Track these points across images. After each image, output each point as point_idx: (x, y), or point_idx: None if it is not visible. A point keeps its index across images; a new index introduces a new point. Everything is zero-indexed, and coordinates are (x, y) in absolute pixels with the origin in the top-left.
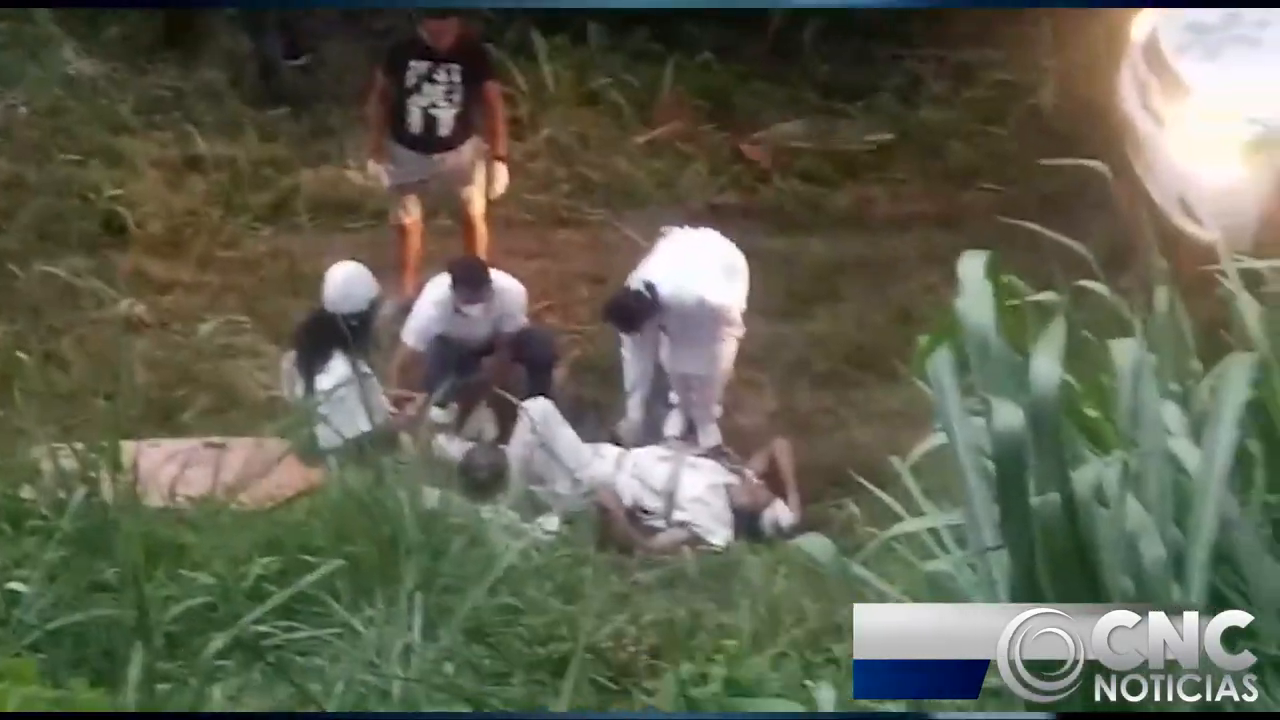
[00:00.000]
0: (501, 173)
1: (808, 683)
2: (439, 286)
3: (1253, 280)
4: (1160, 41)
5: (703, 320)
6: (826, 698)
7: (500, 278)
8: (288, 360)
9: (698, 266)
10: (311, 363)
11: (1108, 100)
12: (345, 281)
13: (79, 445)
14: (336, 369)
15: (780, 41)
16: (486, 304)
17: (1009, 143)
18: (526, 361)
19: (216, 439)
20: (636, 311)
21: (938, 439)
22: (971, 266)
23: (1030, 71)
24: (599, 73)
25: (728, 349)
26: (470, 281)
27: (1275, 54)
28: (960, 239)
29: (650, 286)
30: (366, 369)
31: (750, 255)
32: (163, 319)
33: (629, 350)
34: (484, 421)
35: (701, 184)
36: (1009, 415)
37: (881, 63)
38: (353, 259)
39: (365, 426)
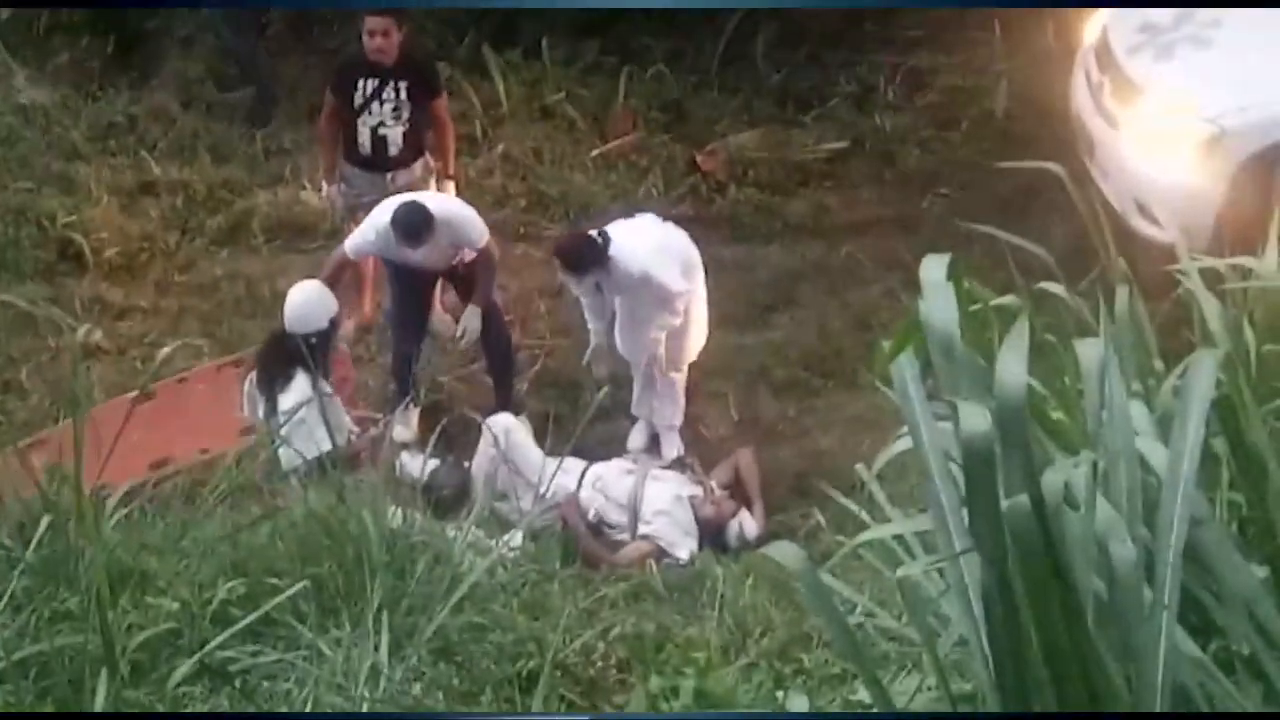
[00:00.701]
0: (450, 191)
1: (778, 693)
2: (386, 212)
3: (1212, 279)
4: (1112, 42)
5: (643, 296)
6: (799, 705)
7: (449, 207)
8: (249, 381)
9: (654, 245)
10: (273, 383)
11: (1061, 103)
12: (304, 301)
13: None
14: (298, 388)
15: (732, 51)
16: (429, 245)
17: (963, 147)
18: (468, 295)
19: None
20: (582, 255)
21: (902, 445)
22: (933, 270)
23: (982, 76)
24: (552, 87)
25: (657, 336)
26: (406, 229)
27: (1227, 53)
28: (917, 244)
29: (604, 237)
30: (328, 388)
31: (708, 265)
32: (121, 345)
33: (584, 304)
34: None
35: (658, 196)
36: (976, 418)
37: (834, 70)
38: (310, 279)
39: (327, 446)
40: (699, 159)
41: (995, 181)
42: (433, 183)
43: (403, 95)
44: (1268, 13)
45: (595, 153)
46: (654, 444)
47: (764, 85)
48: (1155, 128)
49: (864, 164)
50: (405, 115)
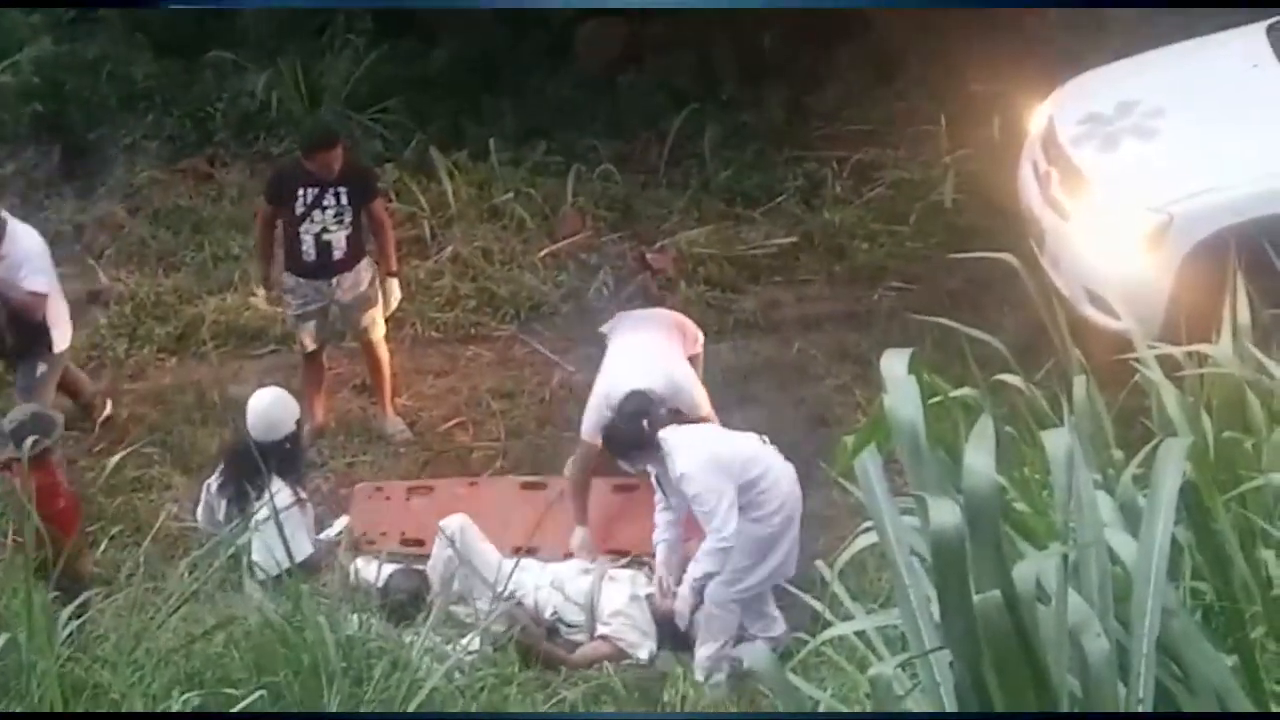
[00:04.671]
0: (395, 288)
1: None
2: None
3: (1168, 367)
4: (1057, 133)
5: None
6: None
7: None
8: (207, 489)
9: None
10: (244, 492)
11: (1009, 193)
12: (273, 406)
13: None
14: (281, 494)
15: (679, 150)
16: None
17: (912, 240)
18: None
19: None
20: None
21: (864, 540)
22: (895, 365)
23: (930, 168)
24: (500, 188)
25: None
26: None
27: (1171, 143)
28: (869, 338)
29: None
30: (303, 494)
31: None
32: (70, 455)
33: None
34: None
35: (608, 294)
36: (946, 513)
37: (781, 166)
38: (269, 386)
39: (309, 549)
40: (648, 257)
41: (945, 274)
42: (377, 285)
43: (344, 200)
44: (1209, 102)
45: (544, 252)
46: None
47: (711, 182)
48: (1104, 218)
49: (814, 259)
50: (347, 219)
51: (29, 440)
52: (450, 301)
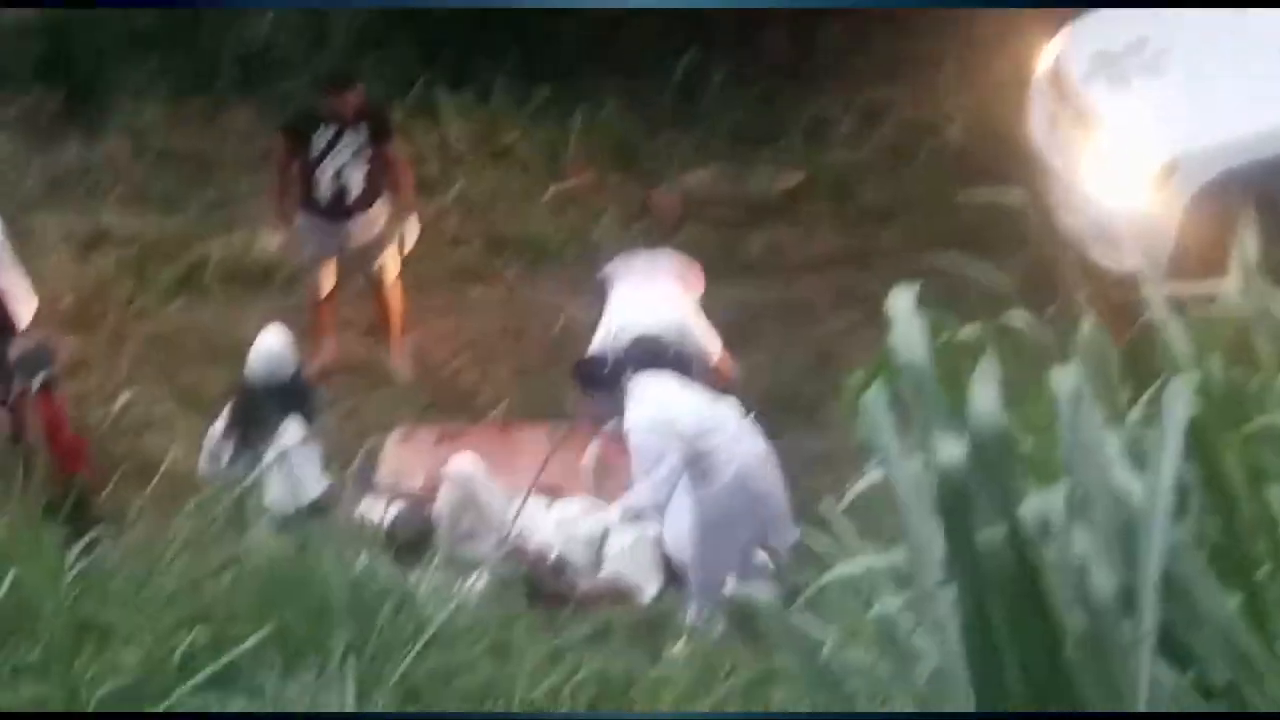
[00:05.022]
0: (414, 226)
1: None
2: None
3: (1174, 306)
4: (1065, 71)
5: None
6: None
7: None
8: (215, 432)
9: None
10: (254, 433)
11: (1016, 133)
12: (280, 347)
13: None
14: (292, 431)
15: (684, 90)
16: None
17: (919, 180)
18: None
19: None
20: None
21: (871, 479)
22: (901, 300)
23: (937, 108)
24: (505, 128)
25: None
26: None
27: (1180, 81)
28: (874, 279)
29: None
30: (313, 433)
31: None
32: (77, 395)
33: None
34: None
35: (613, 235)
36: (952, 449)
37: (787, 106)
38: (272, 326)
39: (322, 486)
40: (653, 198)
41: (952, 214)
42: (393, 227)
43: (363, 139)
44: (1218, 38)
45: (549, 194)
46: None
47: (717, 123)
48: (1111, 157)
49: (819, 200)
50: (365, 160)
51: (39, 375)
52: (456, 243)
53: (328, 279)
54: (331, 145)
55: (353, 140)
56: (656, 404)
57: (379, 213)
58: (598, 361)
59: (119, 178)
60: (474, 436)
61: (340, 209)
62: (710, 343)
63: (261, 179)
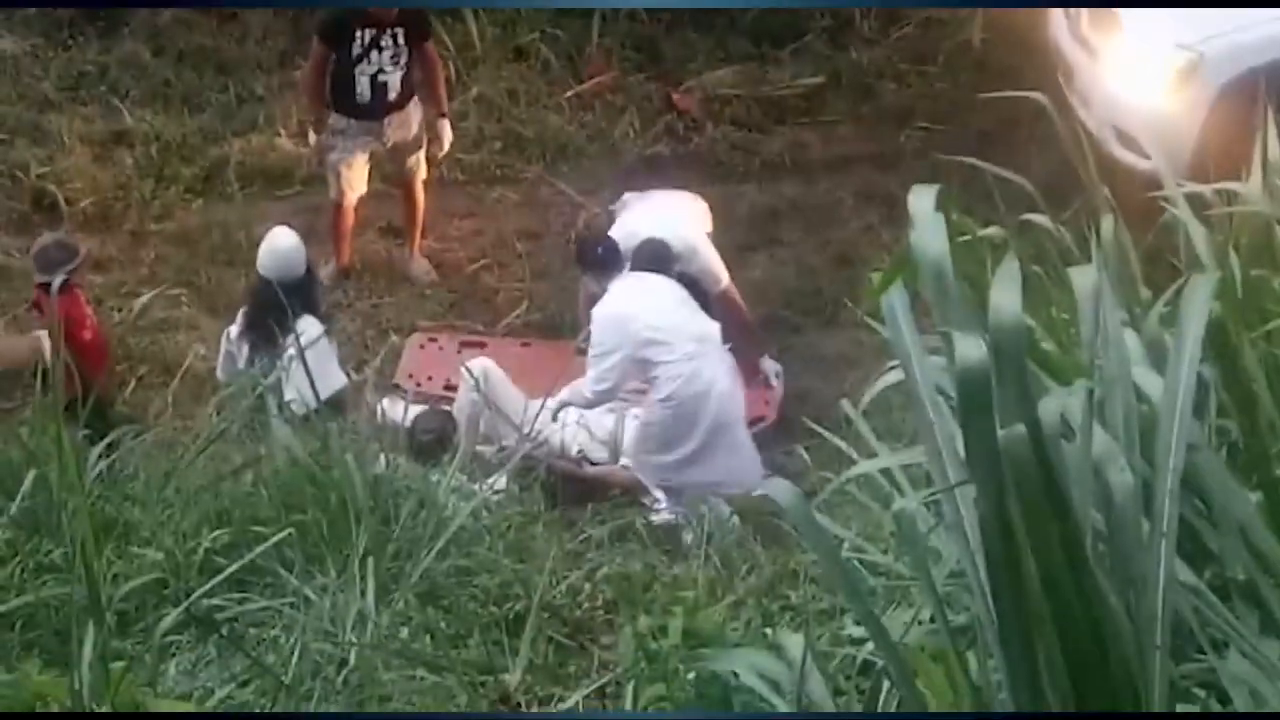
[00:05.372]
0: (447, 129)
1: (766, 630)
2: None
3: (1196, 206)
4: None
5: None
6: (789, 642)
7: None
8: (231, 334)
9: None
10: (269, 334)
11: (1038, 33)
12: (287, 247)
13: (22, 428)
14: (309, 328)
15: None
16: None
17: (940, 81)
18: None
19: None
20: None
21: (889, 379)
22: (922, 200)
23: (958, 8)
24: (526, 28)
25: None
26: None
27: None
28: (895, 179)
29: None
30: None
31: None
32: (97, 295)
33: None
34: None
35: (634, 135)
36: (972, 349)
37: (808, 5)
38: (281, 226)
39: (341, 382)
40: (674, 98)
41: (973, 114)
42: (424, 128)
43: (400, 41)
44: None
45: (570, 93)
46: None
47: (738, 22)
48: (1133, 55)
49: (841, 99)
50: (403, 60)
51: (59, 275)
52: (476, 143)
53: (360, 180)
54: (371, 46)
55: (392, 41)
56: (626, 299)
57: (412, 112)
58: (595, 241)
59: (139, 78)
60: (496, 348)
61: (378, 109)
62: (718, 269)
63: (281, 79)
